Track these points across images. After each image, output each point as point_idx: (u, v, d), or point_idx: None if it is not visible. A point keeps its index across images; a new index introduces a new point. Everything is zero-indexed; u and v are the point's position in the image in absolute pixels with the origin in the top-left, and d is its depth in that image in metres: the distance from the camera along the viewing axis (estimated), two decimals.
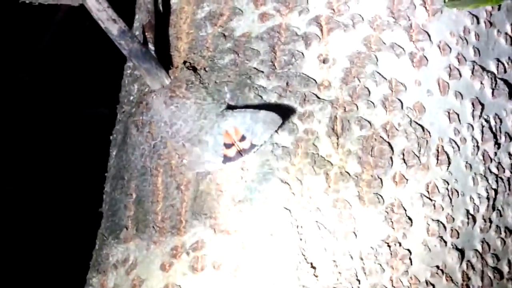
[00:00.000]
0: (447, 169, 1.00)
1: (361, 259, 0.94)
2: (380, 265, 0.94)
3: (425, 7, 1.03)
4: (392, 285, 0.95)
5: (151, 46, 1.02)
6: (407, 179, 0.97)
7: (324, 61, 1.00)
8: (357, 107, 0.98)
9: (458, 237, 0.99)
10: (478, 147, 1.03)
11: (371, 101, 0.99)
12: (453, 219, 0.99)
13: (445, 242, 0.98)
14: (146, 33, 1.03)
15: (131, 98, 1.08)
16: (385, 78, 1.00)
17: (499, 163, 1.05)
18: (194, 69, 1.02)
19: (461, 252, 0.98)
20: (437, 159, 0.99)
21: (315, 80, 0.99)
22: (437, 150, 1.00)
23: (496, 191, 1.03)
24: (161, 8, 1.09)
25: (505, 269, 1.03)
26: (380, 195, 0.96)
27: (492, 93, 1.05)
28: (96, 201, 1.10)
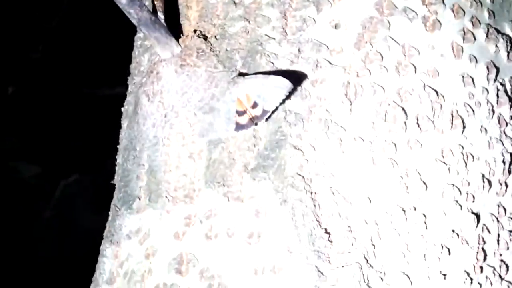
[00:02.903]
0: (462, 133, 0.99)
1: (376, 224, 0.94)
2: (395, 229, 0.94)
3: None
4: (407, 250, 0.94)
5: (160, 15, 1.02)
6: (421, 144, 0.96)
7: (336, 27, 0.99)
8: (370, 72, 0.97)
9: (473, 201, 0.98)
10: (493, 110, 1.01)
11: (384, 66, 0.98)
12: (469, 183, 0.98)
13: (461, 206, 0.97)
14: (156, 2, 1.02)
15: (142, 68, 1.08)
16: (398, 43, 0.98)
17: None
18: (205, 37, 1.01)
19: (477, 215, 0.98)
20: (452, 123, 0.98)
21: (327, 46, 0.98)
22: (452, 114, 0.98)
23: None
24: None
25: None
26: (394, 160, 0.95)
27: (508, 56, 1.04)
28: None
